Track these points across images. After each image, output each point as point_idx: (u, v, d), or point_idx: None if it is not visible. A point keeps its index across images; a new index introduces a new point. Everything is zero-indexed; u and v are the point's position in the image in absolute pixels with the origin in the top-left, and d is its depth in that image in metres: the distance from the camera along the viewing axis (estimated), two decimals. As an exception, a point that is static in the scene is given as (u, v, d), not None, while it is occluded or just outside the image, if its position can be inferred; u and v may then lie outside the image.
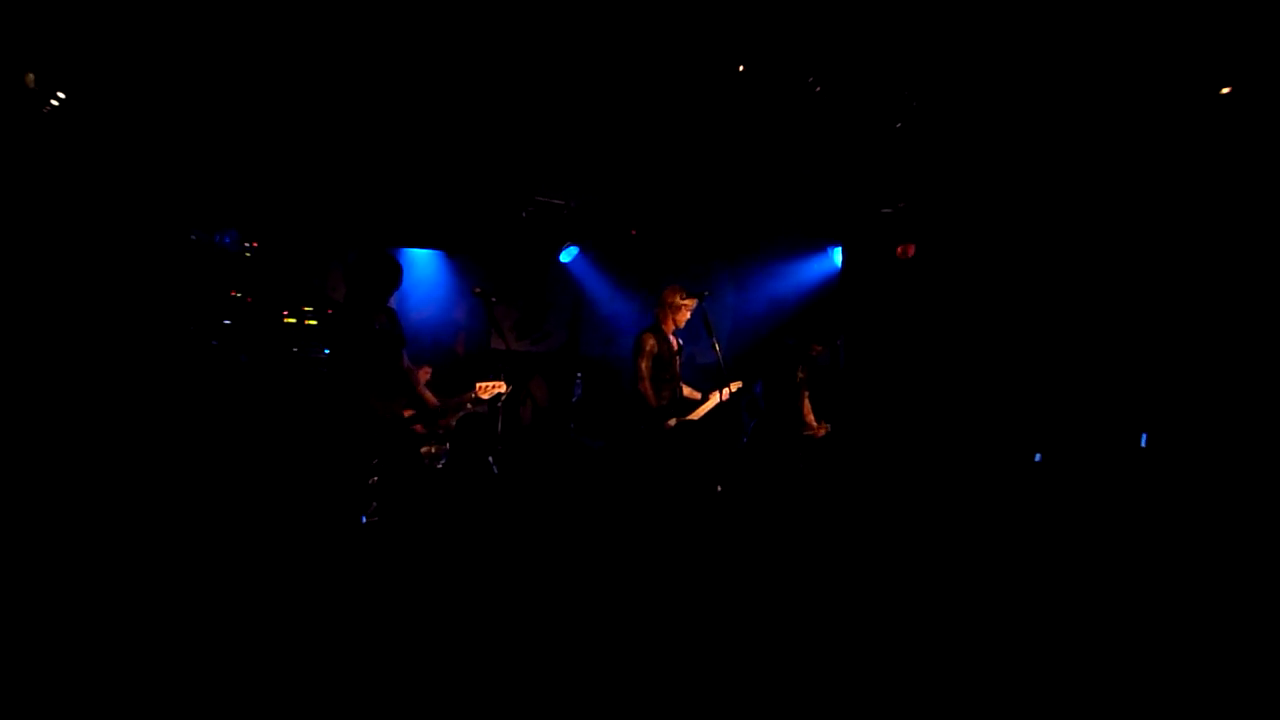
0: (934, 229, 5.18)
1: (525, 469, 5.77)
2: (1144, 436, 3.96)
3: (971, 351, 4.86)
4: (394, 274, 3.43)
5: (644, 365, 4.15)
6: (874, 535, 4.09)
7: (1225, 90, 3.49)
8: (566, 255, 6.61)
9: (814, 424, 4.64)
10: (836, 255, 6.28)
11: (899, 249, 5.25)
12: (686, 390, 4.34)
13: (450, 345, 6.54)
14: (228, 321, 5.02)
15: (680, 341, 4.31)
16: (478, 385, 3.83)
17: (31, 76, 3.62)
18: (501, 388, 3.90)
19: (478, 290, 4.41)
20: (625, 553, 3.65)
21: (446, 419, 4.27)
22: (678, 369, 4.25)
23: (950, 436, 4.73)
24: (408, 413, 3.54)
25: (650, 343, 4.20)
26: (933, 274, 5.26)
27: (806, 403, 4.71)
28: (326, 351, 5.11)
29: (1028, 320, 4.62)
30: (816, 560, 3.64)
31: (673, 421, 4.12)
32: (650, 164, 5.21)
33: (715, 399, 4.27)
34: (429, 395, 3.54)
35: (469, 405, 3.85)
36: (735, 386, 4.24)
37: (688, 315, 4.28)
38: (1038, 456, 4.21)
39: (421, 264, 6.56)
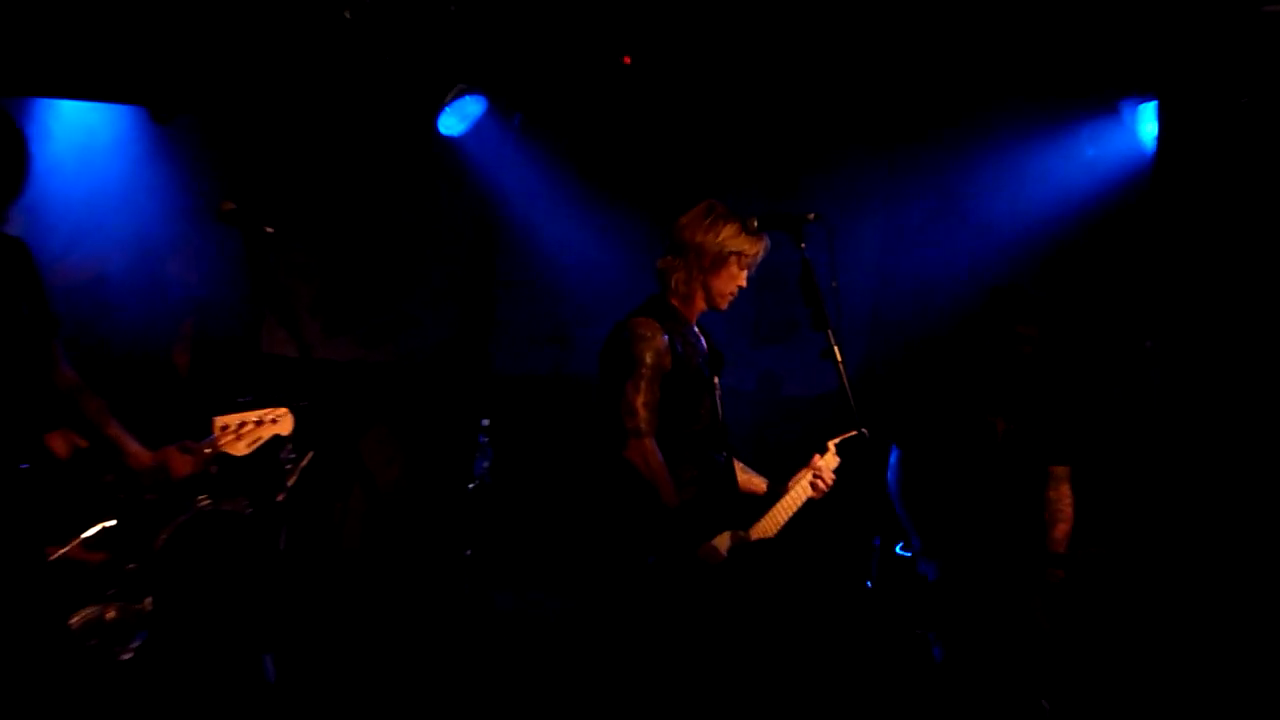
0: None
1: (352, 682, 5.38)
2: None
3: None
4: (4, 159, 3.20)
5: (638, 396, 3.78)
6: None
7: None
8: (455, 119, 6.44)
9: (1059, 546, 4.62)
10: (1143, 125, 6.01)
11: None
12: (741, 471, 4.20)
13: (159, 344, 6.14)
14: None
15: (714, 348, 4.15)
16: (219, 423, 3.65)
17: None
18: (280, 425, 3.75)
19: (229, 208, 3.93)
20: None
21: (162, 493, 4.41)
22: (717, 406, 4.02)
23: None
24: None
25: (652, 344, 3.87)
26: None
27: (1057, 498, 4.70)
28: None
29: None
30: None
31: (724, 542, 3.82)
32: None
33: (808, 484, 4.19)
34: (119, 433, 3.42)
35: (208, 467, 3.69)
36: (832, 450, 4.27)
37: (744, 279, 4.03)
38: None
39: (86, 136, 6.26)
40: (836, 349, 3.75)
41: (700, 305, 4.01)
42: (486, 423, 6.01)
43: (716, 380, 4.06)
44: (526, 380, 6.94)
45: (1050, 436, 4.62)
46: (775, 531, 4.10)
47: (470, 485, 5.95)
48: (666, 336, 3.86)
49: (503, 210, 6.82)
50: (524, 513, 6.41)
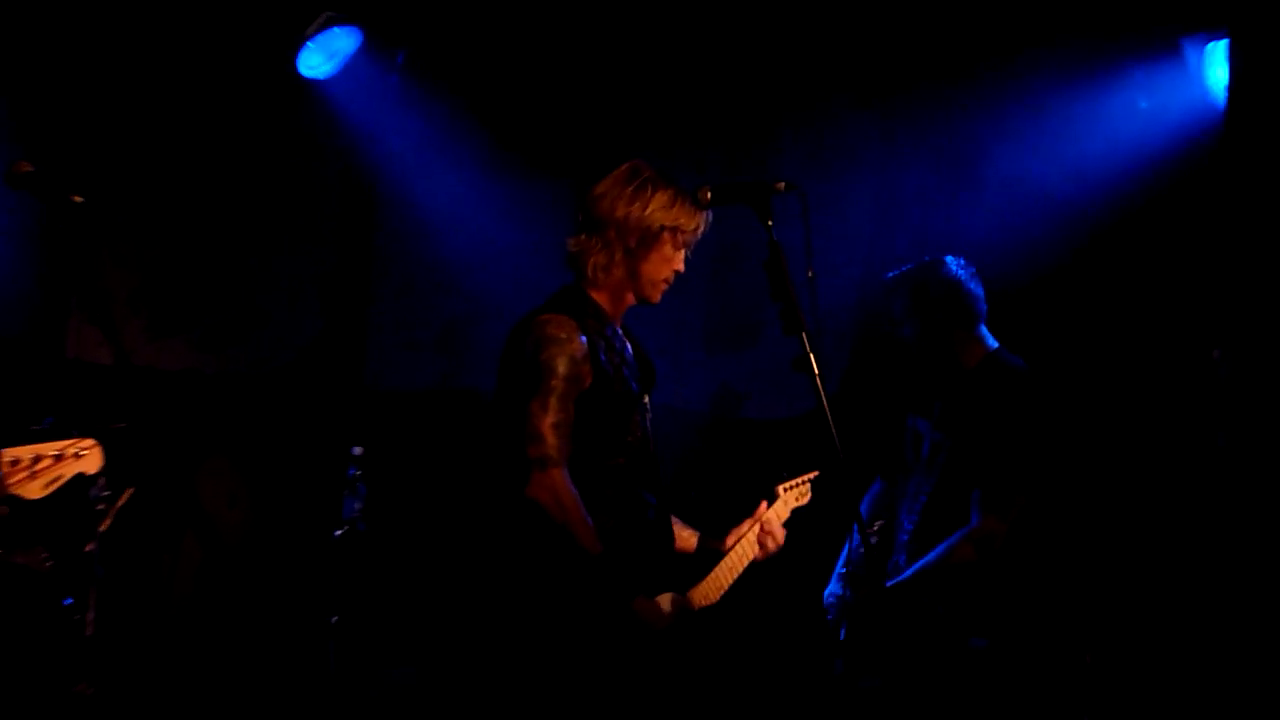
0: None
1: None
2: None
3: None
4: None
5: (545, 417, 3.79)
6: None
7: None
8: (321, 58, 6.43)
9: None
10: (1210, 69, 5.88)
11: None
12: (676, 526, 4.32)
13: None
14: None
15: (642, 355, 4.26)
16: (6, 456, 3.68)
17: None
18: (86, 461, 3.78)
19: (24, 170, 3.88)
20: None
21: None
22: (647, 432, 4.12)
23: None
24: None
25: (566, 349, 3.90)
26: None
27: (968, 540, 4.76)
28: None
29: None
30: None
31: (666, 602, 3.97)
32: None
33: (753, 541, 4.32)
34: None
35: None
36: (797, 490, 4.46)
37: (681, 261, 4.12)
38: None
39: None
40: (813, 357, 3.66)
41: (626, 298, 4.08)
42: (358, 451, 5.91)
43: (646, 399, 4.12)
44: (409, 397, 6.89)
45: (978, 455, 4.69)
46: (718, 598, 4.21)
47: (337, 532, 5.88)
48: (585, 339, 3.90)
49: (381, 176, 6.78)
50: (405, 567, 6.42)
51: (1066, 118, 6.15)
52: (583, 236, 3.99)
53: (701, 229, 4.02)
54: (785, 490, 4.32)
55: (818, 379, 3.63)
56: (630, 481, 3.97)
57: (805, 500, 4.39)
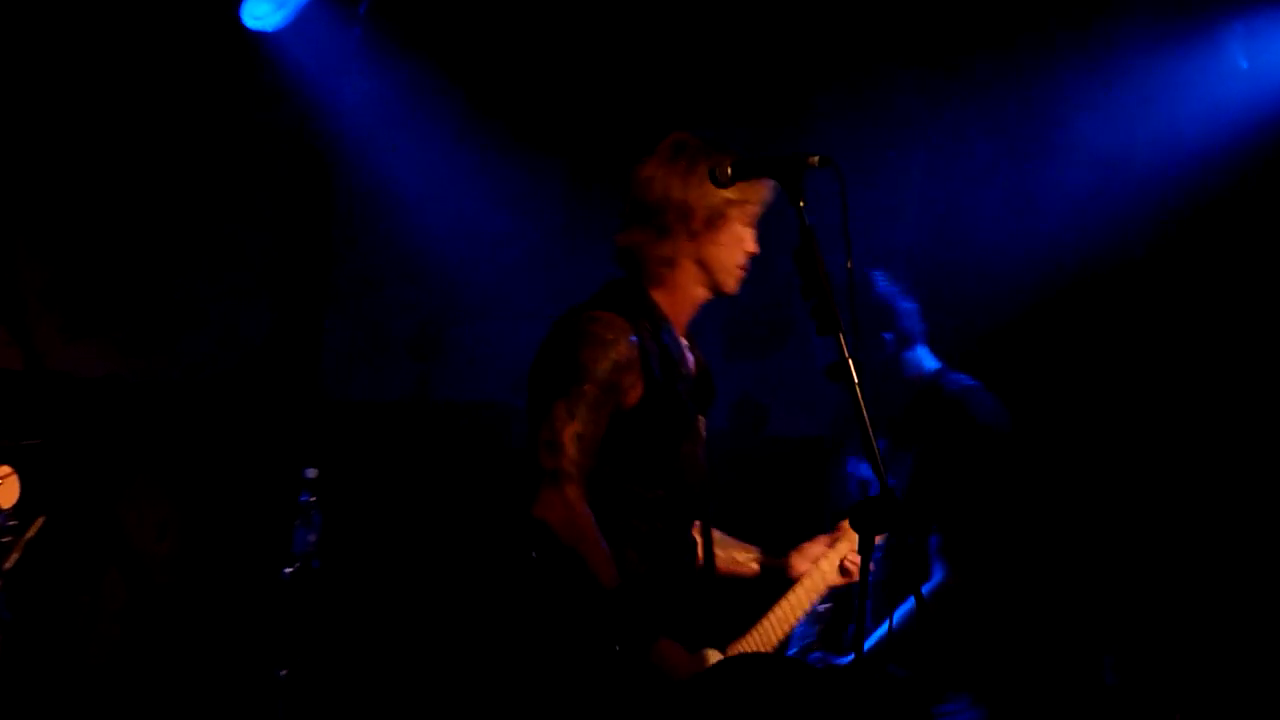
0: None
1: None
2: None
3: None
4: None
5: (569, 424, 3.71)
6: None
7: None
8: (268, 6, 6.36)
9: None
10: None
11: None
12: (723, 548, 4.25)
13: None
14: None
15: (703, 369, 4.22)
16: None
17: None
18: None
19: None
20: None
21: None
22: (699, 460, 4.05)
23: None
24: None
25: (611, 351, 3.80)
26: None
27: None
28: None
29: None
30: None
31: (712, 657, 3.84)
32: None
33: (833, 569, 4.24)
34: None
35: None
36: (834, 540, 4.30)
37: (753, 242, 4.08)
38: None
39: None
40: (852, 363, 3.48)
41: (695, 295, 3.98)
42: (312, 474, 5.65)
43: (702, 423, 4.03)
44: (373, 409, 6.75)
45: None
46: (778, 640, 4.06)
47: (286, 570, 5.64)
48: (636, 342, 3.78)
49: (340, 148, 6.61)
50: (368, 611, 6.27)
51: (1152, 81, 6.04)
52: (634, 230, 3.92)
53: (769, 199, 3.93)
54: (833, 540, 4.16)
55: (858, 389, 3.41)
56: (671, 518, 3.87)
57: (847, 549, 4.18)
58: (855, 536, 3.78)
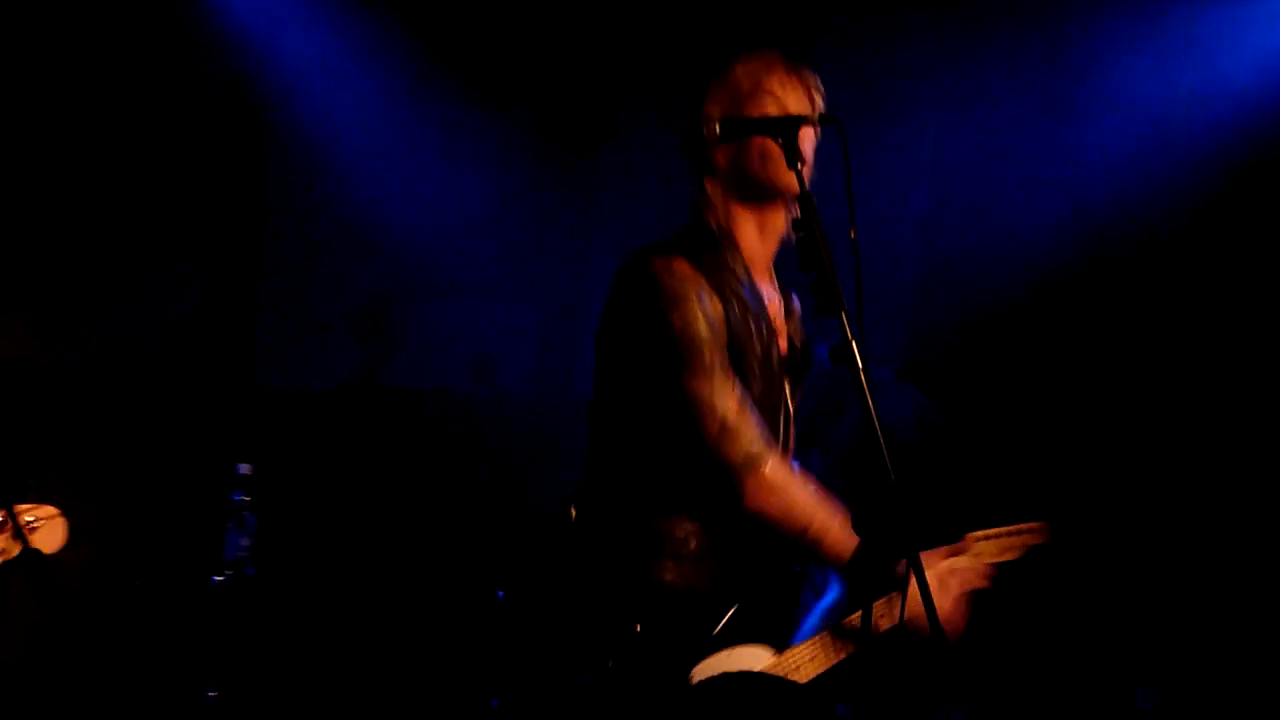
0: None
1: None
2: None
3: None
4: None
5: (724, 397, 3.61)
6: None
7: None
8: None
9: None
10: None
11: None
12: (832, 532, 3.87)
13: None
14: None
15: (799, 325, 4.04)
16: None
17: None
18: (40, 537, 3.81)
19: None
20: None
21: None
22: (788, 432, 3.88)
23: None
24: None
25: (693, 305, 3.64)
26: None
27: None
28: None
29: None
30: None
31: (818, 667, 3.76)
32: None
33: (988, 560, 4.03)
34: None
35: None
36: (1000, 543, 4.10)
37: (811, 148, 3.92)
38: None
39: None
40: (855, 347, 3.34)
41: (774, 219, 3.75)
42: (246, 470, 5.64)
43: (791, 394, 3.81)
44: (314, 397, 6.55)
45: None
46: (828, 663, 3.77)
47: (216, 578, 5.61)
48: (707, 287, 3.60)
49: (278, 103, 6.42)
50: (308, 623, 6.10)
51: (1199, 24, 5.82)
52: (720, 159, 3.67)
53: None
54: (984, 540, 3.94)
55: (863, 376, 3.27)
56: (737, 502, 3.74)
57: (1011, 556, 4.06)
58: (983, 553, 3.81)
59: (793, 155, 3.51)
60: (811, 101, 3.73)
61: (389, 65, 6.38)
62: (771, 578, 3.83)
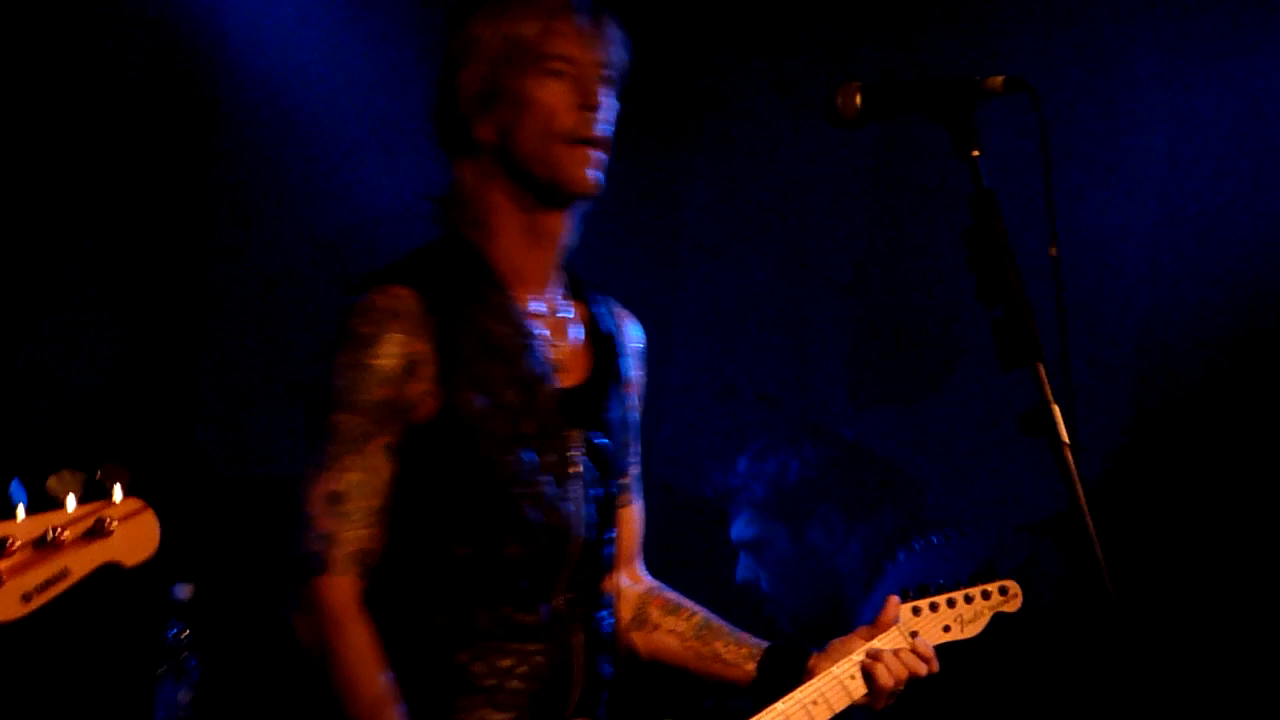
0: None
1: None
2: None
3: None
4: None
5: (316, 480, 3.68)
6: None
7: None
8: None
9: None
10: None
11: None
12: (692, 637, 4.30)
13: None
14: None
15: (608, 344, 4.31)
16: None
17: None
18: (114, 544, 3.18)
19: None
20: None
21: None
22: (578, 494, 4.00)
23: None
24: None
25: (369, 352, 3.79)
26: None
27: None
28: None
29: None
30: None
31: None
32: None
33: (855, 672, 4.17)
34: None
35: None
36: (908, 612, 4.35)
37: (583, 93, 4.01)
38: None
39: None
40: (1056, 411, 3.06)
41: (531, 215, 3.68)
42: (185, 594, 5.22)
43: (576, 446, 3.71)
44: (273, 484, 5.98)
45: None
46: None
47: None
48: (436, 321, 3.51)
49: (226, 61, 6.00)
50: None
51: None
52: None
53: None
54: (914, 603, 3.93)
55: (1066, 451, 3.01)
56: (485, 596, 3.56)
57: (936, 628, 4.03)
58: (898, 634, 3.88)
59: (966, 137, 3.20)
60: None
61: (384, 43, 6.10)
62: None
